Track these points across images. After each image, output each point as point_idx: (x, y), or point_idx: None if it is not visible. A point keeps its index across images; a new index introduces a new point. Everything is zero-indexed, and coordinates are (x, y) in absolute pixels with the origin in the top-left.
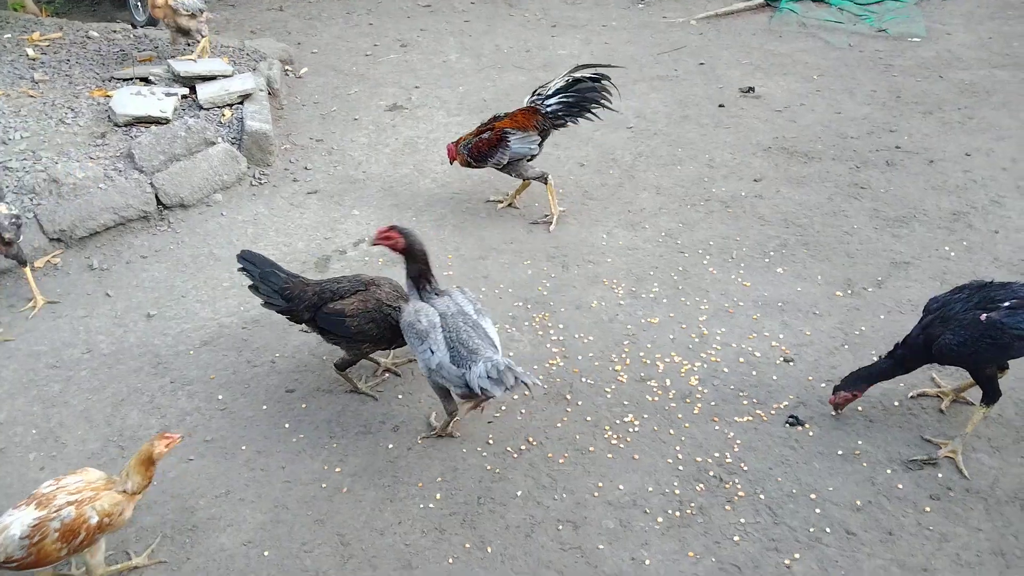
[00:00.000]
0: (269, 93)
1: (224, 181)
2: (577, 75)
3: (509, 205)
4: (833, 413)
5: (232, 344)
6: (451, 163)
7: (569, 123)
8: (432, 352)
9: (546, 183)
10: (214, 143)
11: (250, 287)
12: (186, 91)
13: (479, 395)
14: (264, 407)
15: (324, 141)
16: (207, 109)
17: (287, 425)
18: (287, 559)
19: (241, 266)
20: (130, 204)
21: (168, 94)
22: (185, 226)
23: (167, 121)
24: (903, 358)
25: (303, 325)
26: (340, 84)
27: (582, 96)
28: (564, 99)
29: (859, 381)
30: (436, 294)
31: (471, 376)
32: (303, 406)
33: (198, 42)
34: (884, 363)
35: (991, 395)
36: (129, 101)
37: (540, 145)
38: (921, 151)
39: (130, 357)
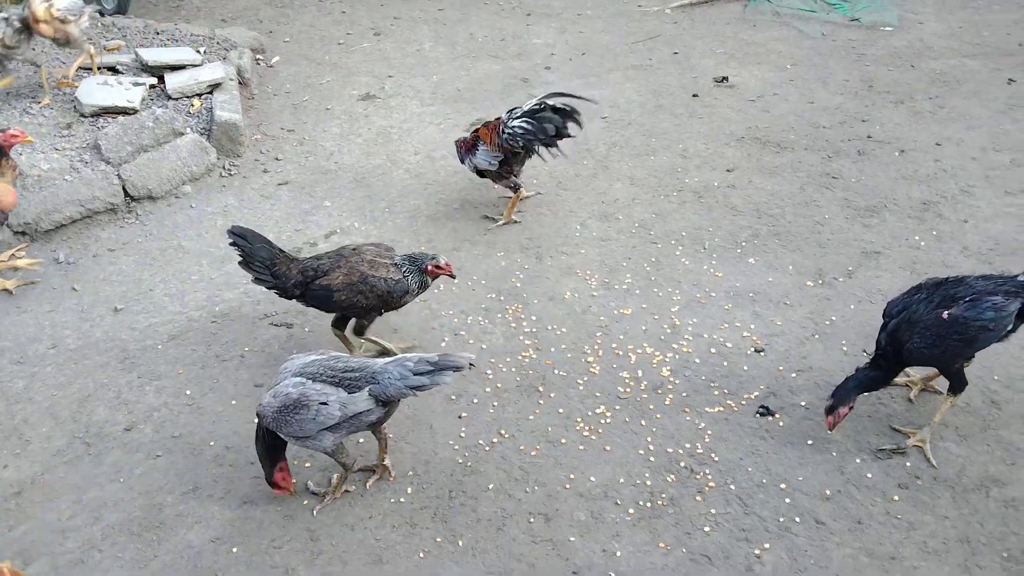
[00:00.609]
0: (240, 83)
1: (193, 172)
2: (549, 102)
3: (507, 223)
4: (830, 431)
5: (201, 338)
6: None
7: (522, 151)
8: (328, 403)
9: (515, 191)
10: (183, 134)
11: (240, 263)
12: (154, 80)
13: (405, 397)
14: (233, 402)
15: (296, 131)
16: (176, 99)
17: (256, 420)
18: (256, 555)
19: (232, 241)
20: (97, 196)
21: (136, 84)
22: (153, 218)
23: (135, 111)
24: (887, 368)
25: (276, 317)
26: (312, 73)
27: (540, 126)
28: (524, 124)
29: (850, 393)
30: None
31: (386, 385)
32: None
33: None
34: (872, 373)
35: (958, 385)
36: (96, 91)
37: (503, 164)
38: (892, 141)
39: (97, 352)
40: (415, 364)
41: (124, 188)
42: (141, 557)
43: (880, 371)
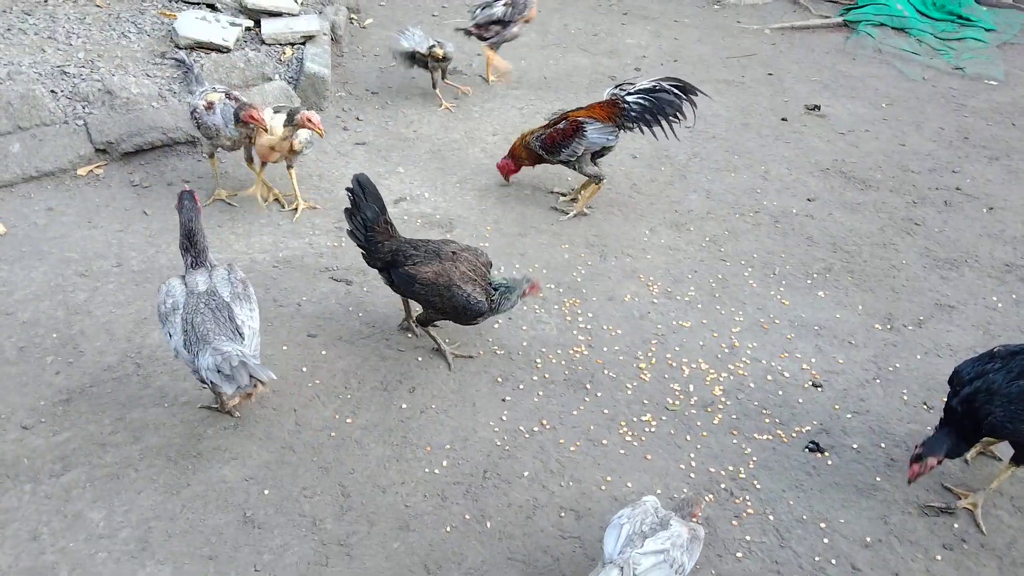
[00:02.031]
0: (332, 38)
1: None
2: (665, 84)
3: (578, 214)
4: (909, 483)
5: (261, 281)
6: (507, 180)
7: (638, 128)
8: (170, 336)
9: (598, 183)
10: (271, 79)
11: (346, 209)
12: (251, 24)
13: (214, 386)
14: (284, 348)
15: (379, 95)
16: (269, 44)
17: (304, 369)
18: (286, 501)
19: (350, 187)
20: (179, 127)
21: (233, 24)
22: (230, 158)
23: (228, 50)
24: (967, 438)
25: (336, 272)
26: None
27: (659, 106)
28: (642, 100)
29: (943, 447)
30: (200, 266)
31: (200, 365)
32: (323, 352)
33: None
34: (956, 440)
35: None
36: (193, 25)
37: (617, 138)
38: (982, 196)
39: (159, 277)
40: (232, 366)
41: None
42: (174, 483)
43: (963, 440)
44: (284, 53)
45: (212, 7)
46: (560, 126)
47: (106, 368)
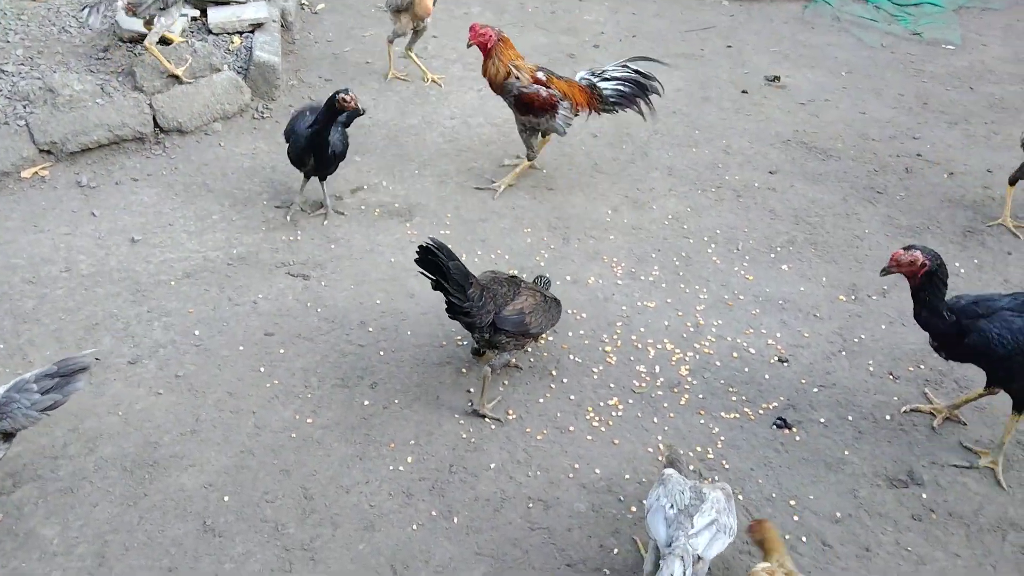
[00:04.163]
0: (282, 26)
1: (225, 110)
2: (632, 66)
3: (507, 188)
4: (888, 264)
5: (215, 279)
6: (469, 41)
7: (617, 111)
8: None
9: (529, 160)
10: (219, 70)
11: (435, 284)
12: (196, 13)
13: None
14: (241, 348)
15: (333, 81)
16: (216, 34)
17: (262, 369)
18: (247, 507)
19: (425, 256)
20: (126, 123)
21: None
22: (181, 152)
23: (173, 42)
24: (947, 345)
25: (293, 267)
26: (356, 25)
27: (635, 89)
28: (619, 87)
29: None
30: None
31: (16, 417)
32: (281, 351)
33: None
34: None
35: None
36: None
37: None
38: (943, 162)
39: (109, 281)
40: (38, 383)
41: (154, 118)
42: (131, 494)
43: (946, 329)
44: (232, 42)
45: None
46: (543, 93)
47: None
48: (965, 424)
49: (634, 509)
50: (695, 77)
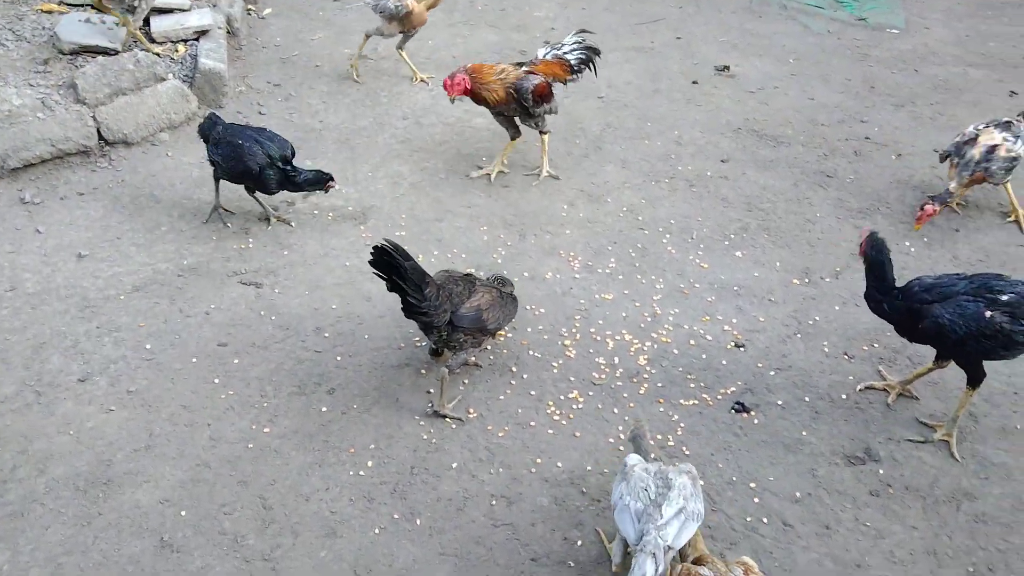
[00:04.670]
0: (228, 32)
1: (172, 120)
2: (577, 36)
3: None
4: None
5: (166, 292)
6: (451, 98)
7: (577, 77)
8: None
9: (544, 132)
10: (164, 79)
11: (391, 284)
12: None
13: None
14: (194, 360)
15: (282, 86)
16: (160, 43)
17: (216, 380)
18: (205, 520)
19: (379, 257)
20: (69, 137)
21: (119, 24)
22: (127, 164)
23: (116, 52)
24: (899, 319)
25: (245, 275)
26: (304, 28)
27: (588, 53)
28: (579, 55)
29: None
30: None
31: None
32: (235, 361)
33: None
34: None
35: (976, 378)
36: (76, 28)
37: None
38: (890, 143)
39: (56, 298)
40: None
41: (99, 131)
42: (84, 514)
43: (893, 307)
44: (177, 51)
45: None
46: (537, 81)
47: (3, 400)
48: (918, 399)
49: (597, 500)
50: (646, 70)
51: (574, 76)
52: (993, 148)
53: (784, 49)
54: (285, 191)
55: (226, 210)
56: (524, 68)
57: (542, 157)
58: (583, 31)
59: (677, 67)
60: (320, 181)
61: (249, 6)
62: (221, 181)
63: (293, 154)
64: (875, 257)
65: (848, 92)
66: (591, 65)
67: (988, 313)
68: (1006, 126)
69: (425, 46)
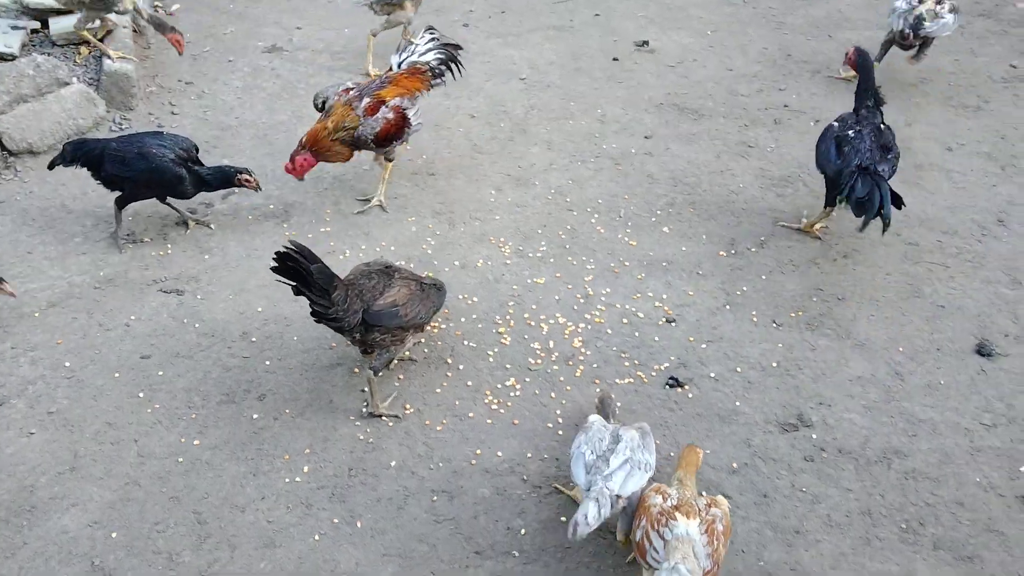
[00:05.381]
0: (134, 30)
1: (80, 126)
2: (433, 34)
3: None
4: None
5: (83, 306)
6: (301, 179)
7: (443, 81)
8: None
9: (390, 160)
10: (68, 83)
11: (296, 289)
12: (37, 25)
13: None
14: (116, 375)
15: (194, 84)
16: (61, 46)
17: (141, 394)
18: (137, 540)
19: (282, 261)
20: None
21: (15, 27)
22: (34, 175)
23: (13, 57)
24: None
25: (166, 283)
26: (215, 23)
27: (448, 52)
28: (438, 55)
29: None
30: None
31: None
32: (160, 373)
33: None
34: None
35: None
36: None
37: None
38: (808, 110)
39: None
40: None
41: (1, 141)
42: (8, 545)
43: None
44: (80, 53)
45: None
46: (390, 117)
47: None
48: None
49: (538, 487)
50: (567, 48)
51: (438, 81)
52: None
53: (701, 21)
54: (201, 192)
55: (129, 234)
56: (367, 100)
57: (380, 184)
58: (431, 28)
59: (597, 44)
60: (229, 177)
61: (156, 2)
62: (127, 202)
63: (197, 151)
64: (862, 63)
65: (765, 61)
66: (455, 64)
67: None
68: None
69: (340, 34)
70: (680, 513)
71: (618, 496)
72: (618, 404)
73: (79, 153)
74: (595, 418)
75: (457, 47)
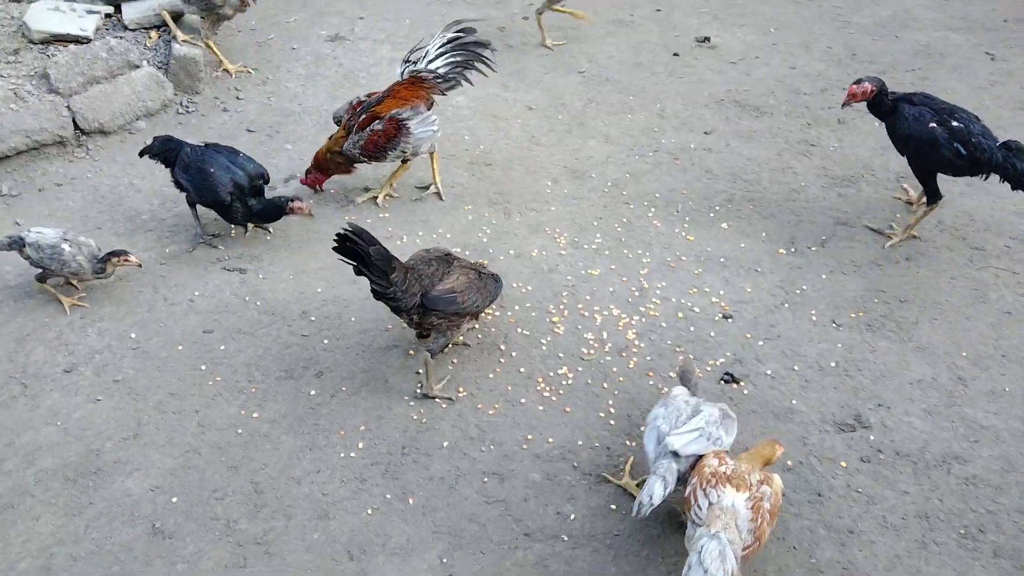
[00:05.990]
0: (202, 17)
1: (148, 107)
2: (452, 33)
3: (387, 196)
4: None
5: (149, 280)
6: (320, 189)
7: (462, 83)
8: None
9: (432, 152)
10: (138, 66)
11: (357, 269)
12: (110, 9)
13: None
14: (180, 347)
15: (259, 70)
16: (132, 30)
17: (203, 367)
18: (196, 506)
19: (343, 242)
20: (44, 128)
21: (90, 11)
22: (105, 154)
23: (88, 40)
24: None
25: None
26: (280, 11)
27: (468, 52)
28: (450, 59)
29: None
30: None
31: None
32: (222, 348)
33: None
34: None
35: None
36: (46, 17)
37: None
38: None
39: (38, 290)
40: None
41: (74, 120)
42: (75, 504)
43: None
44: (150, 37)
45: None
46: (377, 127)
47: None
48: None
49: (588, 474)
50: (626, 43)
51: (451, 83)
52: None
53: (765, 18)
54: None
55: (214, 235)
56: (379, 96)
57: (433, 176)
58: (458, 23)
59: (658, 39)
60: (280, 208)
61: None
62: (193, 204)
63: (265, 180)
64: (882, 86)
65: (830, 60)
66: (484, 62)
67: (932, 124)
68: None
69: (402, 24)
70: (731, 484)
71: (676, 453)
72: (699, 374)
73: (162, 148)
74: (680, 390)
75: (481, 45)
